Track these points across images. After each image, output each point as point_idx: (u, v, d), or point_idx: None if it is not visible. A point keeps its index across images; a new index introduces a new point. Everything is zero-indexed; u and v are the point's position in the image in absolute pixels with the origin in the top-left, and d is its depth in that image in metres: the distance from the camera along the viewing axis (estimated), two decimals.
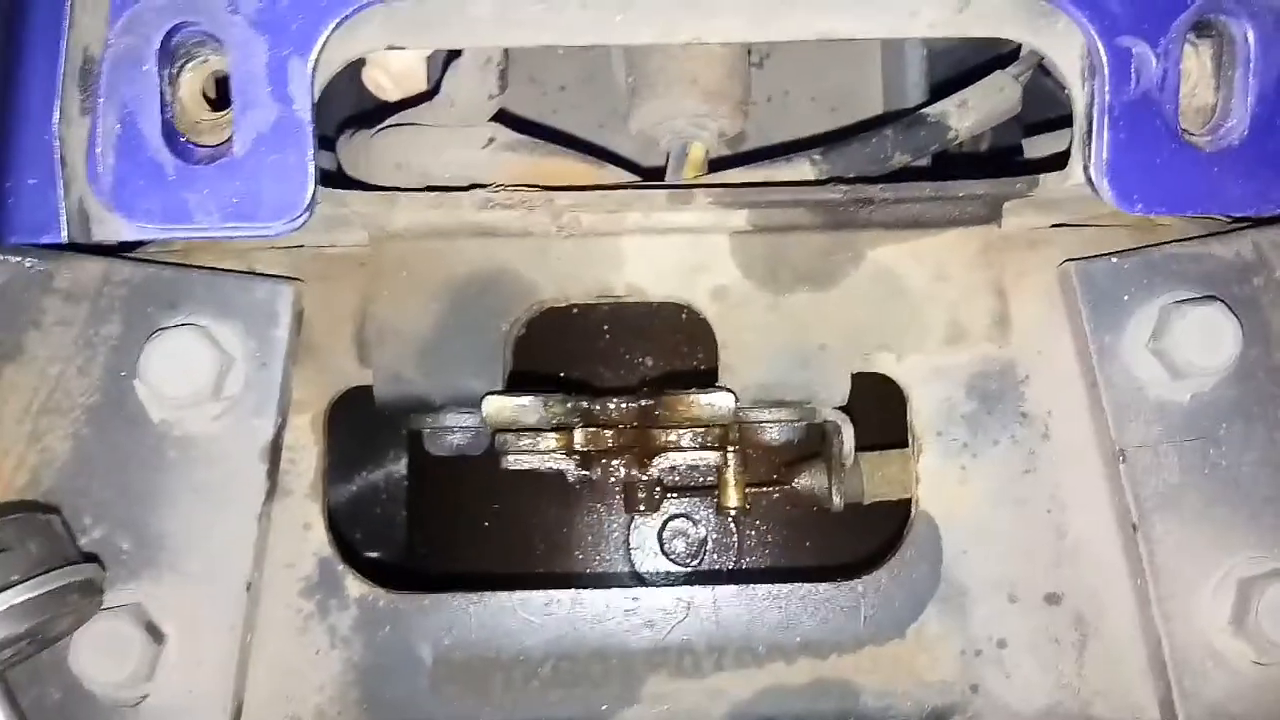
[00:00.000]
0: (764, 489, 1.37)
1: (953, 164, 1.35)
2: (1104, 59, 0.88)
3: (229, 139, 0.90)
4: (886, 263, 1.10)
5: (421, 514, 1.53)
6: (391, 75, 1.20)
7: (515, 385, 1.11)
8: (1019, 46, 1.22)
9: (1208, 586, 1.01)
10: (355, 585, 1.06)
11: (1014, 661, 1.05)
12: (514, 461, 1.11)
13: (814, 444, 1.31)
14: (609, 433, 1.13)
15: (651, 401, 1.13)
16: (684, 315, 1.29)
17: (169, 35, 0.91)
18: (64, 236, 0.93)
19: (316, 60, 0.89)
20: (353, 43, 0.92)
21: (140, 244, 1.11)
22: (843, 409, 1.14)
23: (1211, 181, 0.92)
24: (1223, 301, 1.00)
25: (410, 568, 1.51)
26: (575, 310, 1.23)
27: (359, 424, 1.59)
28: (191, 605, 0.99)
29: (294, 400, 1.07)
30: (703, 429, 1.13)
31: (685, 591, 1.07)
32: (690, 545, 1.39)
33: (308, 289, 1.07)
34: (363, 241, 1.09)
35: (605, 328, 1.39)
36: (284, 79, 0.89)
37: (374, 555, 1.70)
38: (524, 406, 1.06)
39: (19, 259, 1.00)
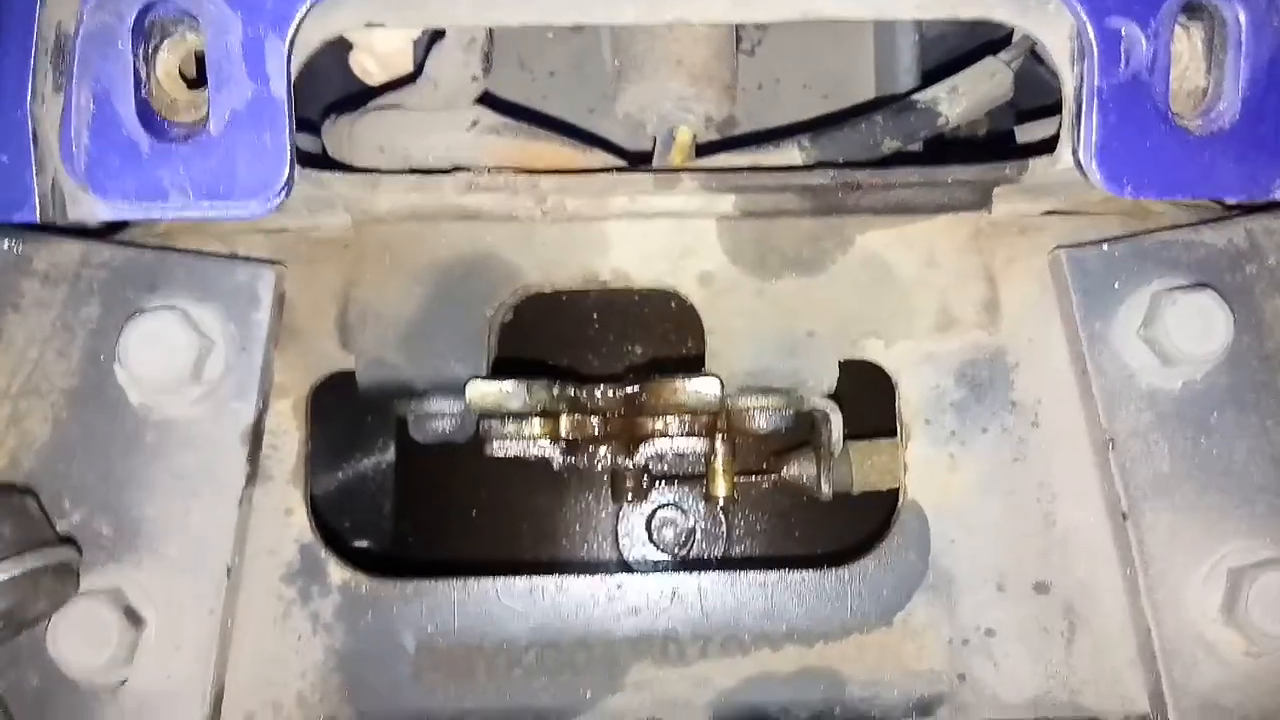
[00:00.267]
0: (753, 478, 1.36)
1: (951, 150, 1.34)
2: (1093, 41, 0.87)
3: (205, 117, 0.89)
4: (876, 249, 1.09)
5: (409, 502, 1.52)
6: (377, 59, 1.18)
7: (501, 371, 1.10)
8: (1011, 32, 1.20)
9: (1198, 576, 1.00)
10: (337, 571, 1.05)
11: (1002, 651, 1.04)
12: (498, 448, 1.10)
13: (803, 433, 1.30)
14: (595, 419, 1.12)
15: (638, 388, 1.12)
16: (673, 302, 1.28)
17: (144, 12, 0.89)
18: (38, 216, 0.91)
19: (293, 38, 0.88)
20: (331, 21, 0.91)
21: (122, 227, 1.10)
22: (832, 397, 1.13)
23: (1202, 165, 0.91)
24: (1214, 289, 0.99)
25: (397, 556, 1.50)
26: (564, 297, 1.22)
27: (348, 411, 1.59)
28: (171, 590, 0.99)
29: (276, 384, 1.06)
30: (690, 416, 1.12)
31: (670, 579, 1.07)
32: (679, 534, 1.38)
33: (290, 272, 1.06)
34: (346, 225, 1.07)
35: (594, 314, 1.38)
36: (260, 57, 0.87)
37: (363, 544, 1.69)
38: (508, 392, 1.05)
39: None
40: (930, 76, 1.33)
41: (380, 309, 1.08)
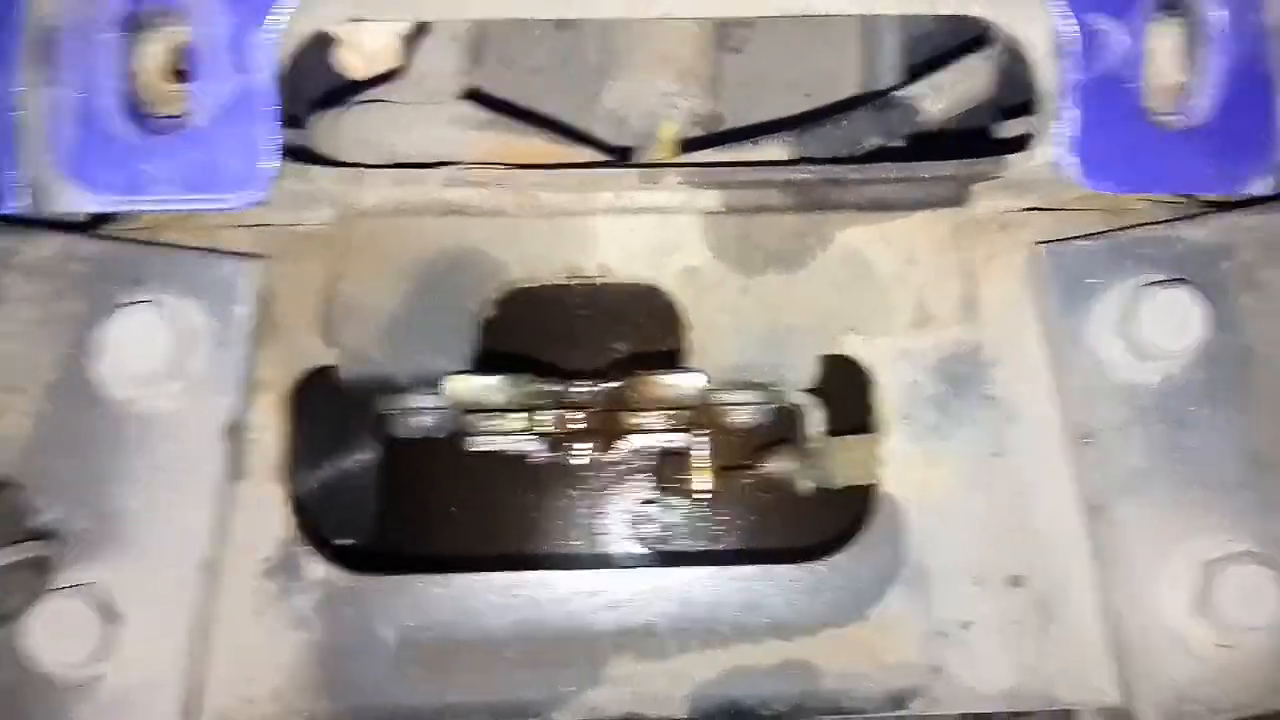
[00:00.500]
0: (735, 472, 1.36)
1: (940, 147, 1.35)
2: (1071, 37, 0.88)
3: (190, 110, 0.89)
4: (856, 245, 1.10)
5: (392, 499, 1.52)
6: (363, 55, 1.18)
7: (484, 366, 1.10)
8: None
9: (1171, 569, 1.01)
10: (318, 566, 1.05)
11: (976, 644, 1.05)
12: (479, 443, 1.10)
13: (784, 428, 1.31)
14: (577, 414, 1.13)
15: (620, 383, 1.12)
16: (659, 298, 1.29)
17: (129, 5, 0.89)
18: (21, 207, 0.91)
19: (279, 32, 0.88)
20: (316, 14, 0.91)
21: (105, 220, 1.10)
22: (813, 392, 1.14)
23: (1178, 160, 0.92)
24: (1191, 284, 1.01)
25: (379, 552, 1.51)
26: (549, 292, 1.22)
27: (332, 408, 1.58)
28: (149, 585, 0.99)
29: (258, 379, 1.06)
30: (672, 411, 1.13)
31: (651, 574, 1.07)
32: (661, 529, 1.39)
33: (273, 267, 1.06)
34: (330, 219, 1.08)
35: (579, 309, 1.39)
36: (245, 50, 0.88)
37: (347, 542, 1.68)
38: (489, 387, 1.06)
39: None
40: (915, 74, 1.35)
41: (363, 304, 1.08)
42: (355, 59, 1.16)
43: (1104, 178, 0.91)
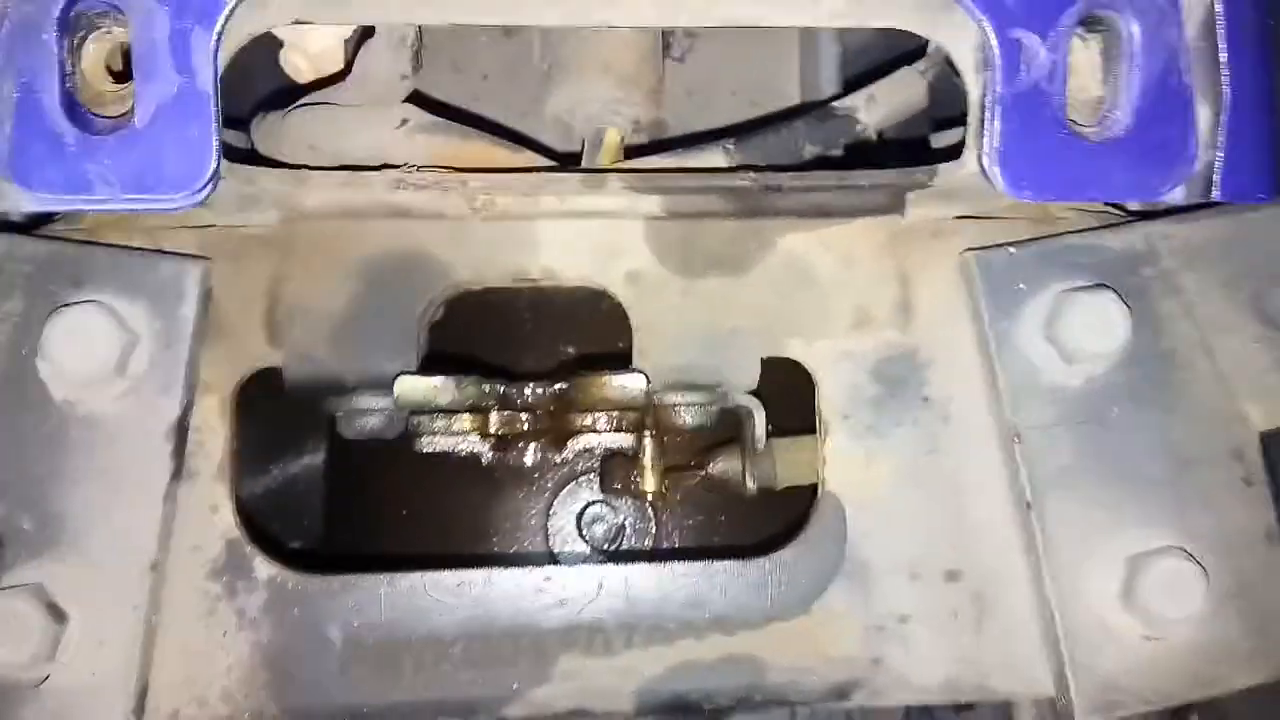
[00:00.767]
0: (681, 474, 1.38)
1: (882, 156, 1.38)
2: (996, 51, 0.92)
3: (131, 110, 0.90)
4: (796, 250, 1.13)
5: (340, 502, 1.52)
6: (307, 56, 1.19)
7: (432, 368, 1.11)
8: (928, 44, 1.25)
9: (1098, 563, 1.04)
10: (264, 567, 1.05)
11: (915, 636, 1.07)
12: (427, 443, 1.11)
13: (730, 429, 1.34)
14: (524, 415, 1.14)
15: (566, 384, 1.14)
16: (604, 301, 1.31)
17: (70, 4, 0.89)
18: None
19: (220, 33, 0.89)
20: (259, 16, 0.92)
21: (46, 220, 1.09)
22: (756, 394, 1.16)
23: (1096, 170, 0.96)
24: (1114, 290, 1.05)
25: (328, 553, 1.50)
26: (497, 295, 1.23)
27: (278, 411, 1.58)
28: (95, 586, 0.98)
29: (202, 381, 1.06)
30: (618, 412, 1.15)
31: (597, 571, 1.08)
32: (609, 530, 1.40)
33: (217, 268, 1.06)
34: (274, 221, 1.08)
35: (527, 313, 1.40)
36: (186, 51, 0.88)
37: (295, 545, 1.68)
38: (436, 388, 1.06)
39: None
40: (852, 85, 1.38)
41: (309, 305, 1.08)
42: (301, 61, 1.17)
43: (1025, 186, 0.95)
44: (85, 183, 0.90)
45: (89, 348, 0.97)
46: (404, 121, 1.14)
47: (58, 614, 0.96)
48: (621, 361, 1.12)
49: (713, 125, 1.46)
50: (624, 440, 1.18)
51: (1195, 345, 1.08)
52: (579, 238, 1.12)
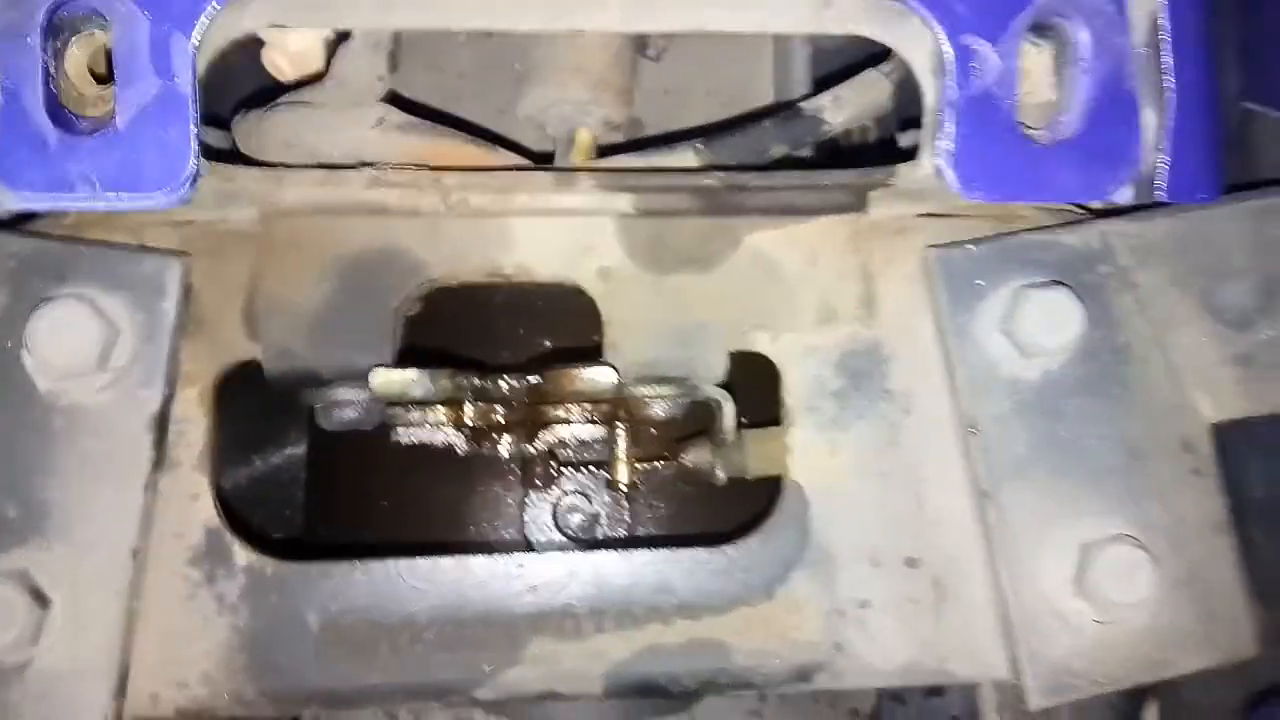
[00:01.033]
0: (654, 465, 1.41)
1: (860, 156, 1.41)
2: (949, 57, 0.95)
3: (112, 112, 0.93)
4: (763, 247, 1.16)
5: (320, 494, 1.55)
6: (289, 57, 1.22)
7: (410, 361, 1.14)
8: None
9: (1052, 551, 1.08)
10: (243, 554, 1.08)
11: (875, 622, 1.11)
12: (403, 434, 1.14)
13: (704, 422, 1.37)
14: (499, 407, 1.17)
15: (538, 377, 1.17)
16: (581, 297, 1.34)
17: (54, 10, 0.92)
18: None
19: (199, 37, 0.92)
20: (236, 21, 0.95)
21: (30, 219, 1.12)
22: (727, 388, 1.19)
23: (1047, 171, 0.99)
24: (1069, 286, 1.08)
25: (308, 542, 1.53)
26: (475, 292, 1.26)
27: (261, 406, 1.60)
28: (77, 572, 1.01)
29: (183, 373, 1.09)
30: (590, 404, 1.18)
31: (568, 558, 1.12)
32: (584, 520, 1.43)
33: (198, 263, 1.09)
34: (253, 218, 1.11)
35: (505, 309, 1.43)
36: (166, 55, 0.91)
37: (278, 536, 1.70)
38: (411, 380, 1.09)
39: None
40: (823, 86, 1.41)
41: (287, 300, 1.11)
42: (282, 61, 1.19)
43: (977, 187, 0.98)
44: (67, 182, 0.92)
45: (72, 341, 0.99)
46: (380, 121, 1.17)
47: (41, 599, 0.99)
48: (594, 355, 1.15)
49: (688, 124, 1.49)
50: (597, 432, 1.21)
51: (1148, 340, 1.12)
52: (552, 235, 1.15)
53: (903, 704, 1.92)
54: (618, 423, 1.25)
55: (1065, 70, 0.99)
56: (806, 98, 1.31)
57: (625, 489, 1.33)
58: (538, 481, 1.38)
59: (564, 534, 1.44)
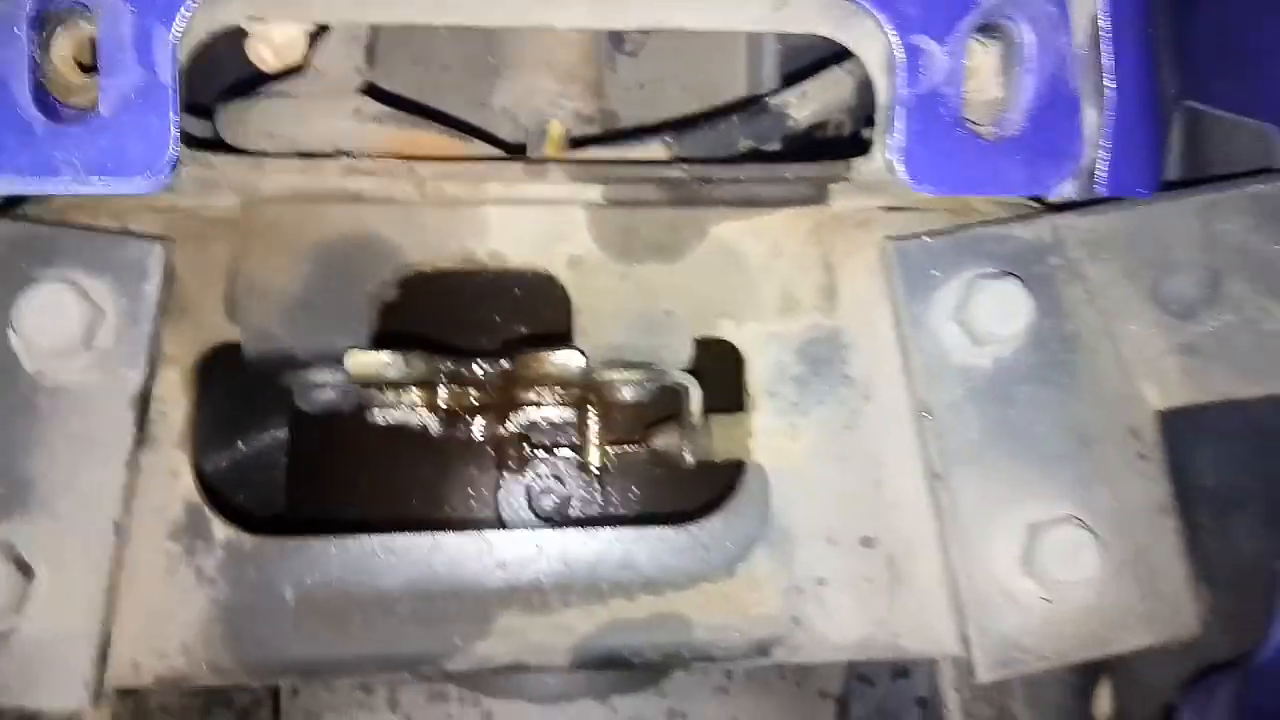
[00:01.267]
0: (626, 448, 1.45)
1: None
2: (899, 56, 0.99)
3: (97, 101, 0.96)
4: (728, 238, 1.20)
5: (301, 475, 1.59)
6: (273, 47, 1.25)
7: (386, 345, 1.17)
8: None
9: (1001, 531, 1.12)
10: (221, 529, 1.12)
11: (832, 598, 1.15)
12: (379, 415, 1.18)
13: (673, 407, 1.41)
14: (471, 390, 1.21)
15: (509, 361, 1.21)
16: (555, 284, 1.37)
17: (41, 2, 0.96)
18: None
19: (180, 30, 0.95)
20: (216, 14, 0.99)
21: (18, 203, 1.15)
22: (695, 373, 1.23)
23: (992, 166, 1.03)
24: (1019, 277, 1.12)
25: (289, 518, 1.57)
26: (454, 279, 1.29)
27: (245, 389, 1.64)
28: (61, 544, 1.04)
29: (164, 354, 1.12)
30: (560, 388, 1.22)
31: (537, 535, 1.16)
32: (558, 501, 1.47)
33: (180, 248, 1.13)
34: (234, 205, 1.14)
35: (483, 295, 1.46)
36: (148, 46, 0.95)
37: (266, 514, 1.74)
38: (385, 362, 1.13)
39: None
40: (793, 81, 1.45)
41: (266, 284, 1.15)
42: (266, 51, 1.23)
43: (925, 181, 1.03)
44: (52, 167, 0.96)
45: (58, 322, 1.03)
46: (357, 111, 1.20)
47: (25, 569, 1.02)
48: (566, 341, 1.19)
49: (662, 117, 1.53)
50: (569, 415, 1.25)
51: (1097, 330, 1.15)
52: (524, 223, 1.18)
53: (871, 685, 1.96)
54: (589, 407, 1.29)
55: (1011, 69, 1.04)
56: (775, 93, 1.35)
57: (597, 471, 1.37)
58: (512, 464, 1.42)
59: (537, 515, 1.48)
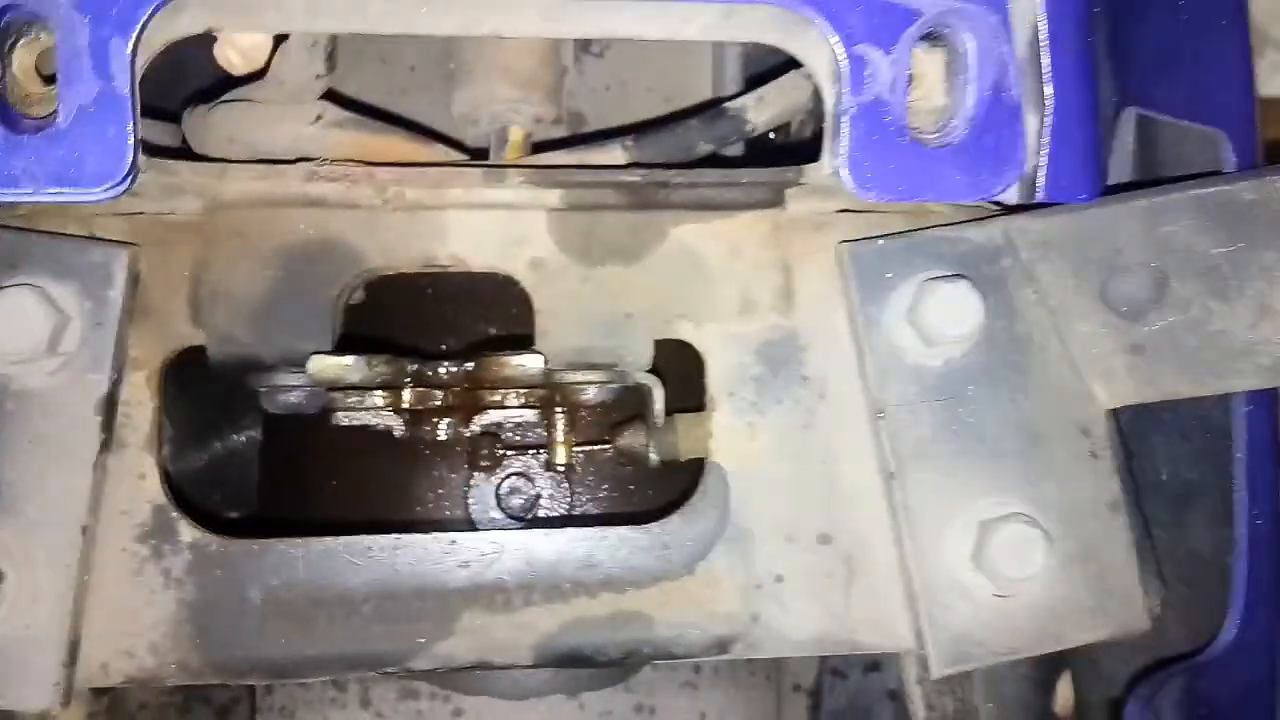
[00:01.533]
0: (592, 448, 1.47)
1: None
2: (844, 65, 1.01)
3: (55, 111, 0.98)
4: (688, 241, 1.22)
5: (272, 477, 1.60)
6: (240, 52, 1.27)
7: (351, 348, 1.19)
8: None
9: (954, 528, 1.14)
10: (188, 531, 1.13)
11: (790, 595, 1.17)
12: (343, 418, 1.20)
13: (638, 407, 1.43)
14: (435, 392, 1.23)
15: (472, 363, 1.23)
16: (516, 287, 1.39)
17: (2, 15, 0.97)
18: None
19: (137, 41, 0.97)
20: (172, 26, 1.00)
21: None
22: (659, 374, 1.25)
23: (935, 172, 1.06)
24: (970, 279, 1.14)
25: (259, 520, 1.58)
26: (419, 282, 1.31)
27: (215, 394, 1.66)
28: (29, 547, 1.06)
29: (130, 358, 1.14)
30: (524, 389, 1.23)
31: (499, 535, 1.18)
32: (526, 501, 1.49)
33: (145, 253, 1.14)
34: (197, 210, 1.16)
35: (448, 298, 1.48)
36: (105, 57, 0.96)
37: (233, 515, 1.75)
38: (348, 365, 1.15)
39: None
40: (756, 84, 1.47)
41: (230, 289, 1.16)
42: (234, 55, 1.24)
43: (871, 187, 1.05)
44: (12, 177, 0.98)
45: (23, 327, 1.04)
46: (318, 117, 1.22)
47: None
48: (529, 343, 1.21)
49: (628, 119, 1.55)
50: (534, 416, 1.27)
51: (1048, 330, 1.18)
52: (485, 227, 1.20)
53: (843, 678, 1.99)
54: (555, 408, 1.31)
55: (954, 77, 1.06)
56: (736, 96, 1.37)
57: (564, 471, 1.39)
58: (482, 464, 1.44)
59: (506, 514, 1.50)
